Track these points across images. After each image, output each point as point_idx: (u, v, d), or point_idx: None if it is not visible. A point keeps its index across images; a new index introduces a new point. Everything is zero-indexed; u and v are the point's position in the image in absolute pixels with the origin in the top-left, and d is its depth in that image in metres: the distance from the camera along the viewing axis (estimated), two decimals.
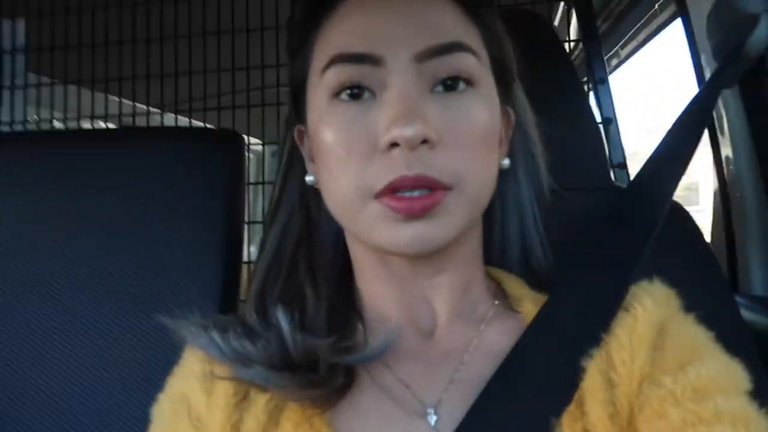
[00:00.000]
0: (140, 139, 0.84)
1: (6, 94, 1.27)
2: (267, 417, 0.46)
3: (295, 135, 0.54)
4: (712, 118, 0.94)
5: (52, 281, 0.76)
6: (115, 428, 0.70)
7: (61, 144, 0.84)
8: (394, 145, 0.44)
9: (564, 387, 0.45)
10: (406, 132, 0.43)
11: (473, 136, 0.46)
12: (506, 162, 0.53)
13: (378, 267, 0.51)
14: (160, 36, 1.14)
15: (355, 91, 0.46)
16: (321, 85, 0.47)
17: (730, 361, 0.46)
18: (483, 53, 0.49)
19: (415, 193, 0.44)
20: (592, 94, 1.12)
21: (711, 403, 0.41)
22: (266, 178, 1.29)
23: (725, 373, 0.44)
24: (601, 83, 1.07)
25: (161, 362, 0.71)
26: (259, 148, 1.32)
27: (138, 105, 1.26)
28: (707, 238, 1.04)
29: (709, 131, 0.97)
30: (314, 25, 0.49)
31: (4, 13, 1.23)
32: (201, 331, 0.48)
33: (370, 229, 0.46)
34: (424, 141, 0.44)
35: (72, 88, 1.26)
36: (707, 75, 0.89)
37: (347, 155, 0.46)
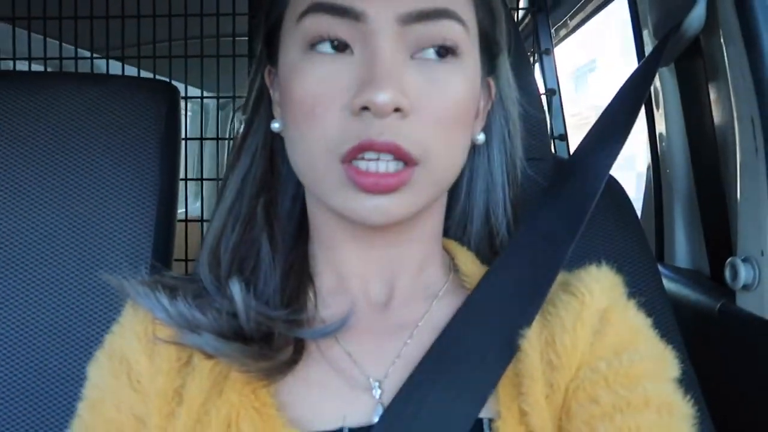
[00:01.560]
0: (72, 84, 0.79)
1: None
2: (210, 384, 0.45)
3: (266, 75, 0.52)
4: (650, 94, 0.96)
5: None
6: (54, 387, 0.68)
7: None
8: (365, 108, 0.42)
9: (495, 364, 0.45)
10: (378, 98, 0.41)
11: (447, 111, 0.44)
12: (481, 137, 0.51)
13: (337, 233, 0.50)
14: None
15: (334, 44, 0.44)
16: (297, 32, 0.45)
17: (662, 348, 0.46)
18: (472, 23, 0.47)
19: (381, 167, 0.43)
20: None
21: (641, 389, 0.42)
22: (205, 134, 1.24)
23: (656, 361, 0.45)
24: (546, 54, 1.08)
25: (98, 318, 0.69)
26: (198, 101, 1.27)
27: (80, 50, 1.18)
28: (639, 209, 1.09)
29: (646, 107, 1.00)
30: None
31: None
32: (149, 291, 0.46)
33: (331, 193, 0.45)
34: (397, 109, 0.42)
35: (5, 27, 1.17)
36: (648, 52, 0.91)
37: (317, 111, 0.44)
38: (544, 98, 1.09)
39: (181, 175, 1.16)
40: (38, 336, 0.70)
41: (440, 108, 0.44)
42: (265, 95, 0.52)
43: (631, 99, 0.66)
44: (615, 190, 0.74)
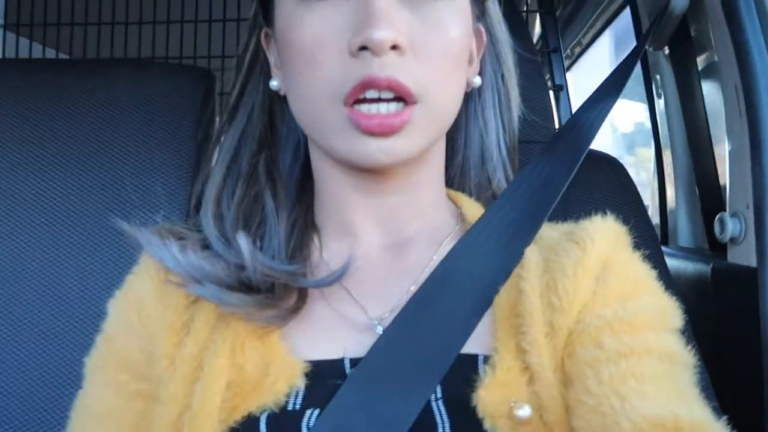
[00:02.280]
0: (120, 69, 0.88)
1: None
2: (217, 317, 0.46)
3: (262, 38, 0.53)
4: (649, 79, 1.02)
5: (33, 201, 0.79)
6: (81, 327, 0.75)
7: (36, 71, 0.87)
8: (363, 48, 0.43)
9: (476, 305, 0.46)
10: (376, 35, 0.42)
11: (443, 48, 0.45)
12: (477, 80, 0.52)
13: (342, 184, 0.50)
14: None
15: None
16: None
17: (665, 299, 0.47)
18: None
19: (382, 108, 0.44)
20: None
21: (643, 337, 0.43)
22: None
23: (659, 311, 0.46)
24: (554, 52, 1.14)
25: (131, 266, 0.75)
26: None
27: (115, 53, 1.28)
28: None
29: (647, 97, 1.05)
30: None
31: None
32: (158, 240, 0.48)
33: (335, 137, 0.45)
34: (394, 47, 0.43)
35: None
36: None
37: (317, 56, 0.44)
38: (552, 94, 1.16)
39: None
40: (81, 288, 0.77)
41: (435, 46, 0.45)
42: (261, 57, 0.53)
43: (622, 69, 0.72)
44: (619, 172, 0.79)
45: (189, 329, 0.47)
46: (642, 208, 0.77)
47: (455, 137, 0.56)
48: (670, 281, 0.71)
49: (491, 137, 0.56)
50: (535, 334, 0.44)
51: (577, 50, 1.89)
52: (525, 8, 1.23)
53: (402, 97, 0.44)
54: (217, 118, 0.94)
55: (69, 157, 0.81)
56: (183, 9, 1.21)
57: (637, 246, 0.70)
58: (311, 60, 0.45)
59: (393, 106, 0.44)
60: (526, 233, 0.50)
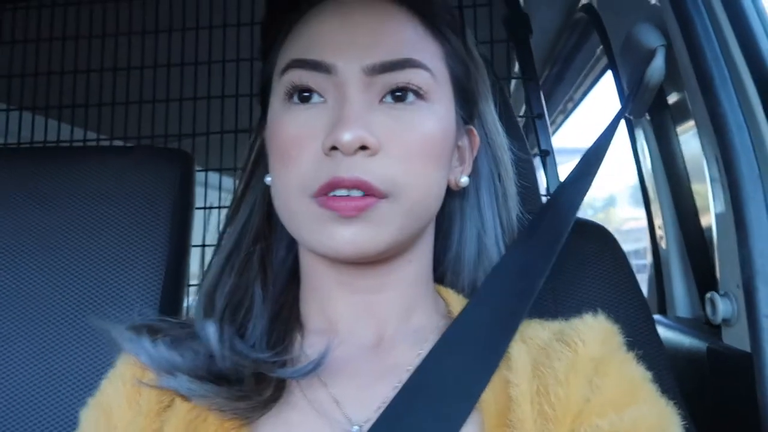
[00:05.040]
0: (88, 156, 0.87)
1: None
2: (185, 426, 0.46)
3: (265, 135, 0.55)
4: (636, 149, 1.00)
5: (4, 296, 0.77)
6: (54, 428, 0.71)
7: (6, 160, 0.87)
8: (334, 148, 0.45)
9: (460, 406, 0.45)
10: (344, 136, 0.44)
11: (415, 147, 0.47)
12: (464, 180, 0.53)
13: (324, 278, 0.51)
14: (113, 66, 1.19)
15: (305, 95, 0.48)
16: (279, 87, 0.50)
17: (663, 404, 0.46)
18: (441, 71, 0.50)
19: (351, 195, 0.45)
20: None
21: None
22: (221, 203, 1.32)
23: (658, 418, 0.44)
24: (539, 118, 1.13)
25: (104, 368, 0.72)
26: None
27: (89, 132, 1.28)
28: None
29: (634, 158, 1.03)
30: (281, 32, 0.52)
31: None
32: (134, 336, 0.48)
33: (307, 228, 0.47)
34: (364, 147, 0.45)
35: (14, 114, 1.28)
36: None
37: (292, 153, 0.47)
38: (537, 159, 1.14)
39: (198, 241, 1.22)
40: (56, 381, 0.74)
41: (407, 144, 0.47)
42: (264, 152, 0.55)
43: (595, 153, 0.69)
44: (611, 244, 0.76)
45: None
46: (634, 283, 0.73)
47: (450, 234, 0.56)
48: (665, 361, 0.68)
49: (489, 237, 0.56)
50: None
51: (569, 106, 1.92)
52: (508, 74, 1.23)
53: (371, 195, 0.46)
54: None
55: (43, 250, 0.79)
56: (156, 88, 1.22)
57: (630, 324, 0.67)
58: (286, 157, 0.48)
59: (360, 194, 0.46)
60: (507, 329, 0.49)
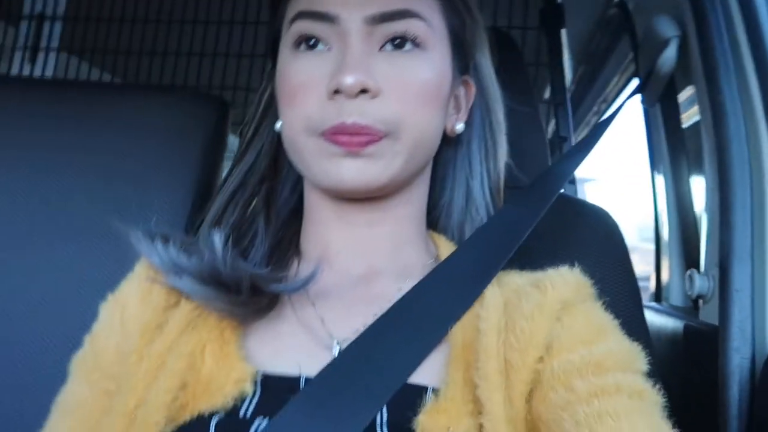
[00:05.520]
0: (135, 92, 0.93)
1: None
2: (187, 321, 0.50)
3: (274, 83, 0.58)
4: (650, 137, 1.03)
5: (33, 221, 0.83)
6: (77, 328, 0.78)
7: (50, 91, 0.93)
8: (337, 92, 0.49)
9: (432, 335, 0.49)
10: (347, 80, 0.48)
11: (412, 90, 0.50)
12: (459, 126, 0.58)
13: (324, 212, 0.55)
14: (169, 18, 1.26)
15: (311, 43, 0.52)
16: (287, 37, 0.54)
17: (630, 343, 0.49)
18: (438, 22, 0.53)
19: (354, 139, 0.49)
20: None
21: (611, 377, 0.44)
22: None
23: (625, 353, 0.47)
24: (561, 104, 1.17)
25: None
26: None
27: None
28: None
29: (648, 152, 1.06)
30: None
31: None
32: (147, 238, 0.53)
33: (316, 162, 0.51)
34: (365, 91, 0.48)
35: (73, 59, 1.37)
36: None
37: (298, 97, 0.51)
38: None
39: None
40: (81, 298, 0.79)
41: (405, 87, 0.50)
42: (274, 101, 0.58)
43: (601, 125, 0.73)
44: (611, 228, 0.79)
45: (162, 330, 0.51)
46: (629, 265, 0.76)
47: (444, 181, 0.61)
48: (646, 338, 0.71)
49: (476, 181, 0.60)
50: (488, 369, 0.46)
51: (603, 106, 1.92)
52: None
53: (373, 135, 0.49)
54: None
55: (85, 167, 0.85)
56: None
57: (618, 306, 0.69)
58: (293, 101, 0.52)
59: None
60: (486, 274, 0.53)
